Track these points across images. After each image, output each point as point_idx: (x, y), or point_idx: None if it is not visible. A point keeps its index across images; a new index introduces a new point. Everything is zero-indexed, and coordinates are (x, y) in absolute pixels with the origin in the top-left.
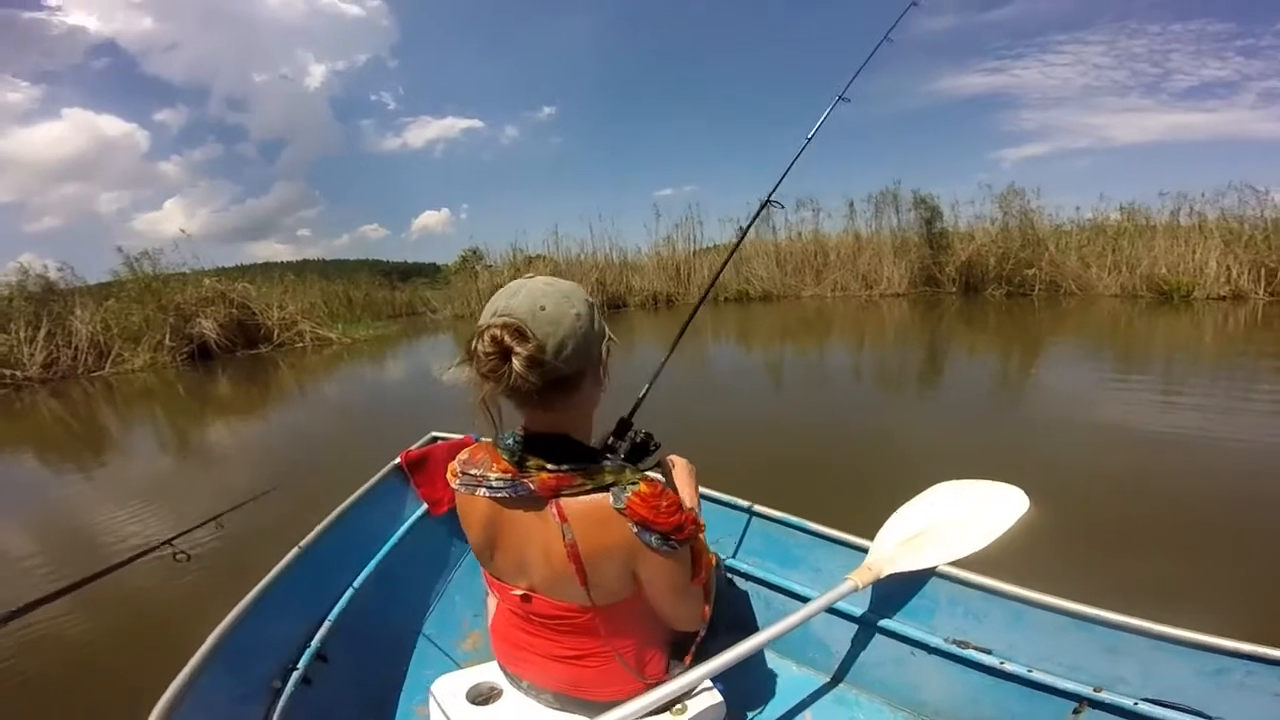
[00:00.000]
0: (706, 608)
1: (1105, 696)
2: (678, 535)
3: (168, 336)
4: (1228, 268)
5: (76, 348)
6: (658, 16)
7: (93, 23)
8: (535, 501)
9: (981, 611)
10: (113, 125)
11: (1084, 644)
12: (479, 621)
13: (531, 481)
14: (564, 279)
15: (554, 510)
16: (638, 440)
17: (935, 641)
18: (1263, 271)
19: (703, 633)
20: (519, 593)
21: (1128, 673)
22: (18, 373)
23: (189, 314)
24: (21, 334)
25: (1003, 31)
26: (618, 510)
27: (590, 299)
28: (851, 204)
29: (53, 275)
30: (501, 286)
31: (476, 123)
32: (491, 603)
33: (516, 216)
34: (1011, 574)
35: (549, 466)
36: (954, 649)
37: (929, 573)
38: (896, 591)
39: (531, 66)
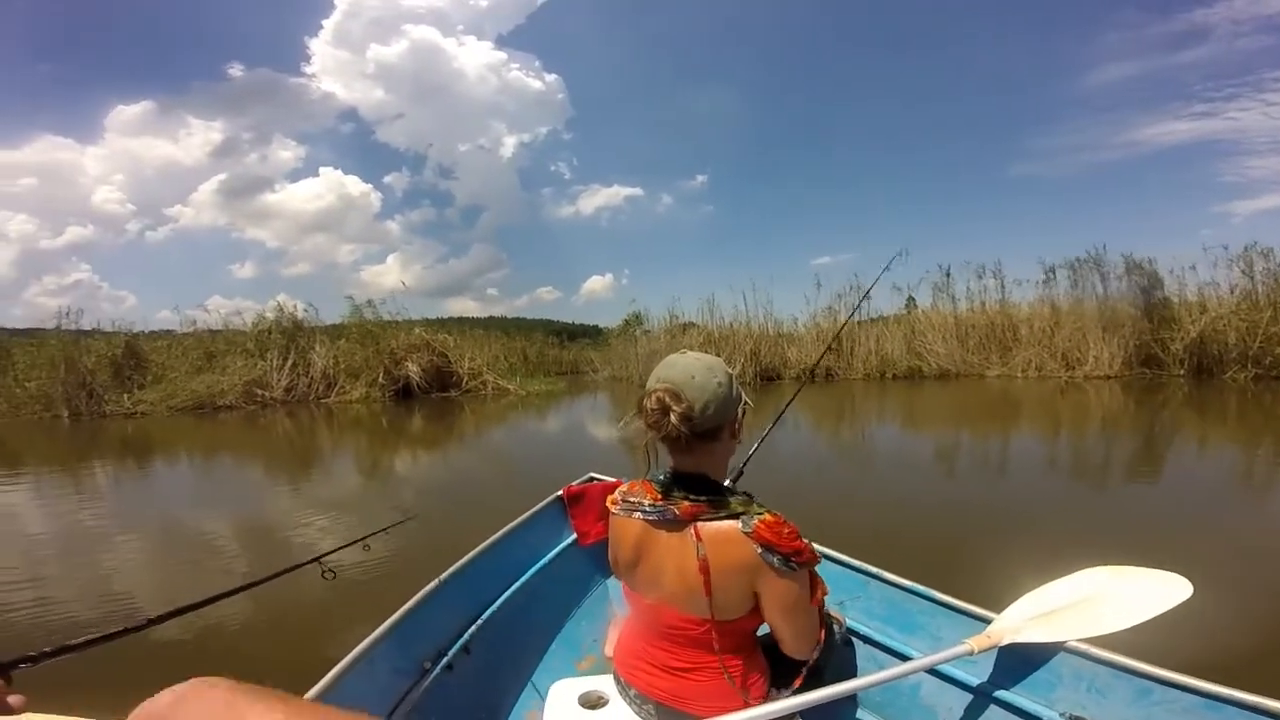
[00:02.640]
0: (822, 631)
1: None
2: (798, 559)
3: (381, 375)
4: None
5: (311, 377)
6: (804, 82)
7: (339, 90)
8: (678, 524)
9: (1106, 687)
10: (355, 185)
11: None
12: (596, 647)
13: (676, 508)
14: (714, 351)
15: (692, 532)
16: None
17: (1050, 715)
18: None
19: (813, 659)
20: (651, 602)
21: None
22: (266, 393)
23: (400, 358)
24: (274, 362)
25: (1202, 73)
26: (745, 534)
27: (730, 371)
28: (1048, 270)
29: (300, 315)
30: (657, 351)
31: (638, 191)
32: (613, 631)
33: (671, 282)
34: None
35: (690, 497)
36: None
37: (1055, 646)
38: (1017, 663)
39: (685, 135)
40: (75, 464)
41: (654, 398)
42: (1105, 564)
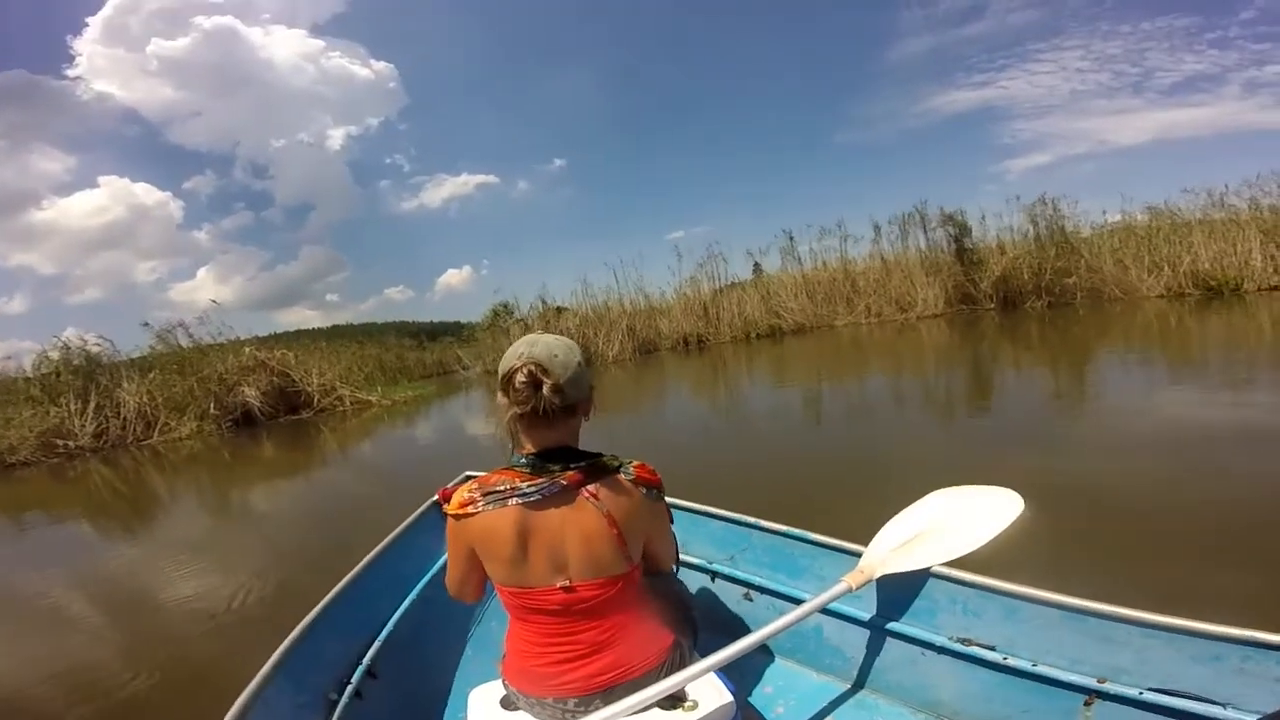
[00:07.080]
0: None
1: (1111, 688)
2: (659, 488)
3: (212, 406)
4: (1271, 256)
5: (125, 418)
6: (653, 61)
7: (116, 90)
8: (565, 494)
9: (979, 609)
10: (148, 193)
11: (1082, 637)
12: None
13: (562, 478)
14: (590, 331)
15: (586, 494)
16: None
17: (941, 640)
18: None
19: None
20: (560, 586)
21: (1127, 663)
22: (70, 443)
23: (231, 383)
24: (71, 406)
25: (981, 46)
26: (630, 481)
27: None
28: (877, 227)
29: (92, 349)
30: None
31: (491, 178)
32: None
33: (537, 268)
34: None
35: (571, 466)
36: (959, 647)
37: (925, 574)
38: (896, 594)
39: (538, 120)
40: None
41: (524, 372)
42: (948, 486)
